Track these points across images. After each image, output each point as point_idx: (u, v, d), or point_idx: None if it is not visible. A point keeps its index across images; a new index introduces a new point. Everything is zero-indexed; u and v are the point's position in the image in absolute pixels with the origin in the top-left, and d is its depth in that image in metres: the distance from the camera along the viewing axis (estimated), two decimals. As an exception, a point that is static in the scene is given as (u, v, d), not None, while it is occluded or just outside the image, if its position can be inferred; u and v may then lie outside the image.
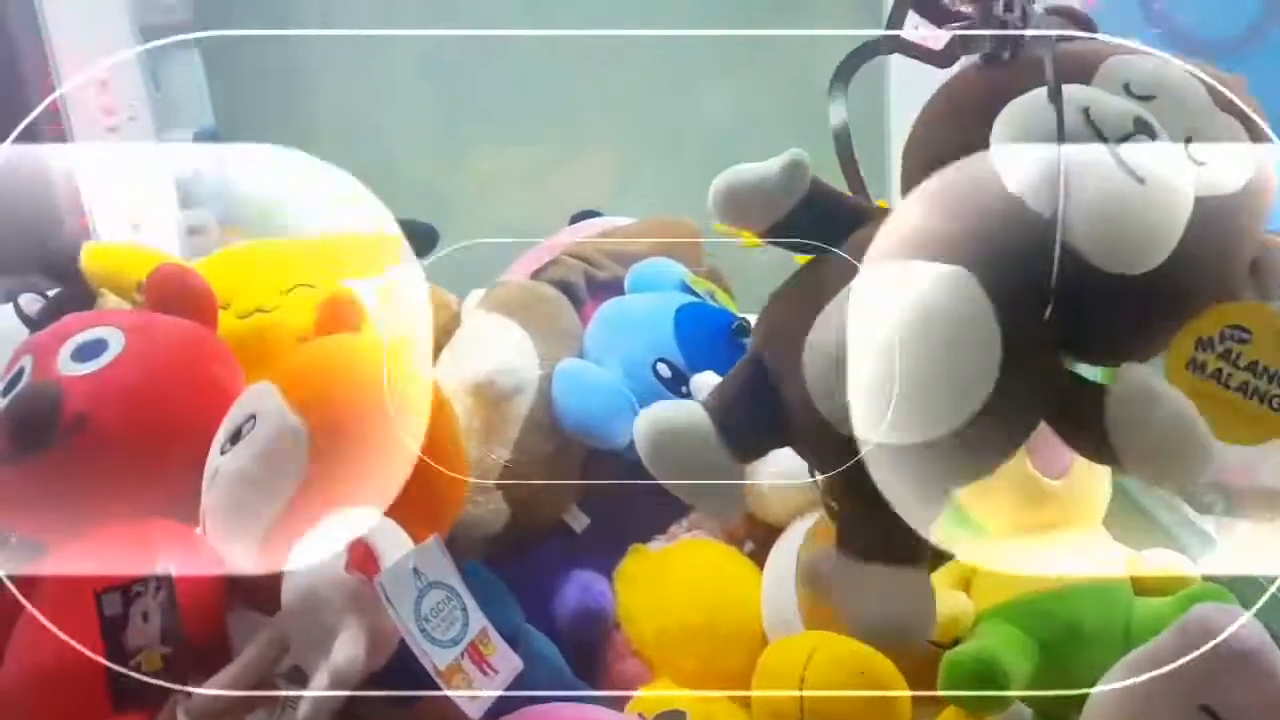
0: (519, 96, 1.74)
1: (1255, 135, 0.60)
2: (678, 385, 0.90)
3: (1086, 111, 0.54)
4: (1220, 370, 0.59)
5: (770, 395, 0.62)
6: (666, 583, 0.84)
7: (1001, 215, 0.55)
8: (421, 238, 1.14)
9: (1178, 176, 0.54)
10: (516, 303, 0.97)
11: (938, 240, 0.56)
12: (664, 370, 0.91)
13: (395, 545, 0.65)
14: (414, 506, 0.71)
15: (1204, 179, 0.56)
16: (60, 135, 1.49)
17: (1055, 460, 0.73)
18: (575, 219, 1.27)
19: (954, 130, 0.61)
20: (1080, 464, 0.73)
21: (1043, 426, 0.72)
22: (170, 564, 0.66)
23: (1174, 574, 0.70)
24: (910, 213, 0.60)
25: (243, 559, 0.69)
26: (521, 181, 1.81)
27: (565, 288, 1.00)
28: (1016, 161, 0.54)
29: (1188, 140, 0.57)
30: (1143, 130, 0.54)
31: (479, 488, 0.85)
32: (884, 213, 0.62)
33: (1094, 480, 0.75)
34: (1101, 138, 0.53)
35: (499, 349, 0.92)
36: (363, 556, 0.64)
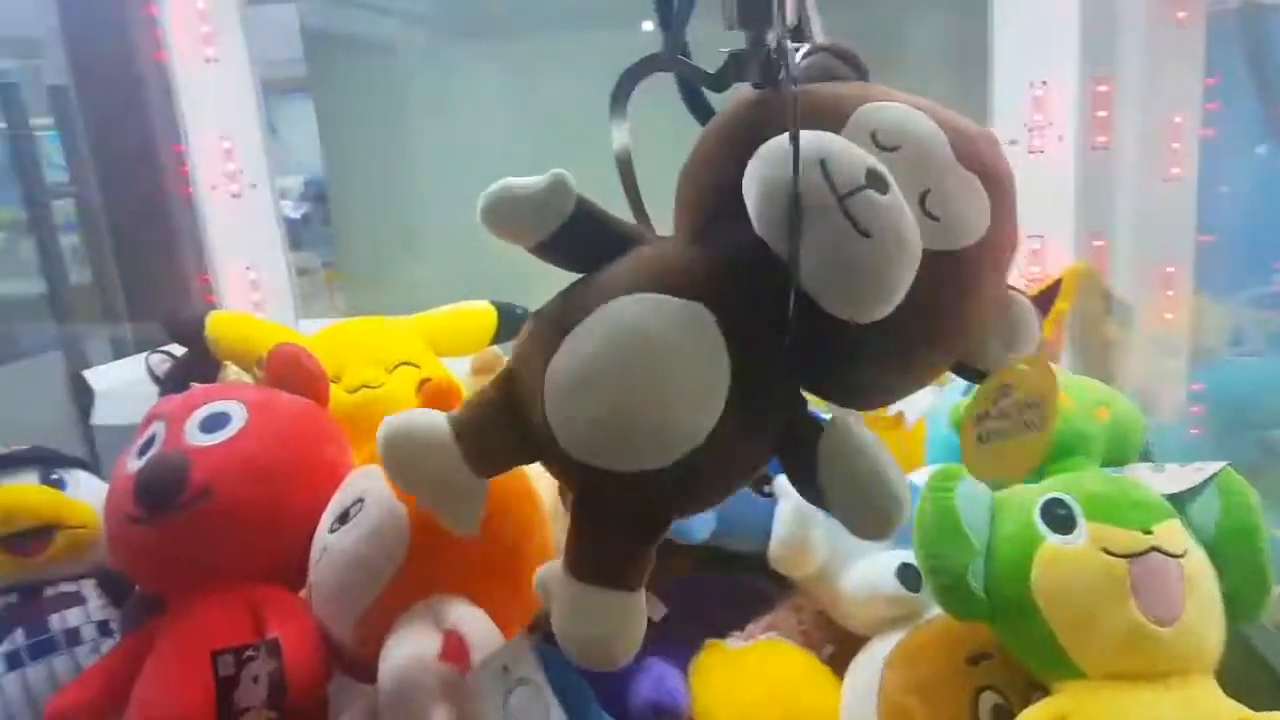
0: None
1: (995, 192, 0.60)
2: (760, 485, 0.91)
3: (823, 164, 0.53)
4: (1001, 427, 0.65)
5: (516, 412, 0.62)
6: (742, 683, 0.84)
7: (744, 255, 0.57)
8: (516, 318, 1.19)
9: (905, 231, 0.54)
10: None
11: (683, 272, 0.59)
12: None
13: (486, 637, 0.68)
14: (504, 594, 0.75)
15: (938, 233, 0.57)
16: (188, 196, 1.58)
17: (1167, 606, 0.67)
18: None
19: (718, 164, 0.61)
20: (1192, 611, 0.67)
21: (1154, 565, 0.71)
22: (279, 632, 0.70)
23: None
24: (665, 243, 0.63)
25: (344, 633, 0.74)
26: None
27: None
28: (761, 204, 0.55)
29: (924, 194, 0.57)
30: (874, 184, 0.53)
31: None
32: (656, 238, 0.64)
33: (1206, 628, 0.68)
34: (835, 190, 0.53)
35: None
36: (456, 647, 0.67)
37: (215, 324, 1.07)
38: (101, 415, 1.03)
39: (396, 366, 1.02)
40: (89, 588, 0.91)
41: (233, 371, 1.02)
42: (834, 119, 0.59)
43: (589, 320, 0.59)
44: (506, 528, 0.76)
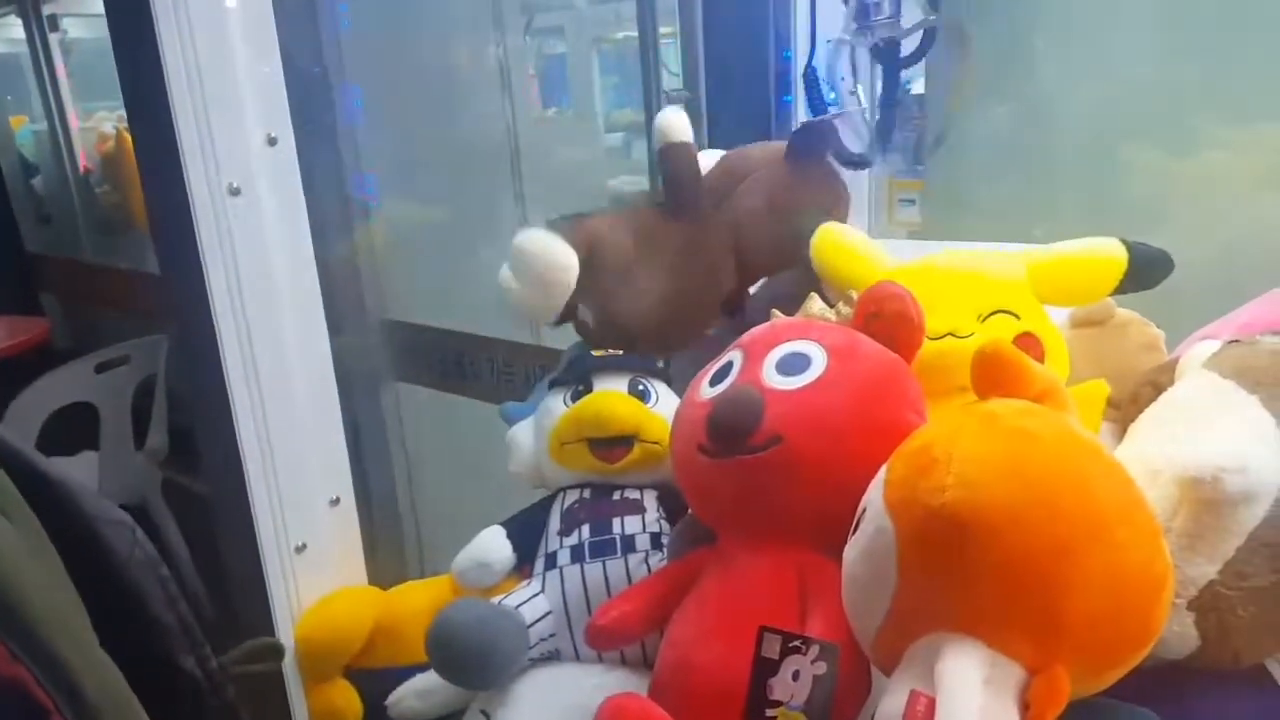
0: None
1: None
2: None
3: None
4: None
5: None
6: None
7: None
8: (1152, 264, 0.96)
9: None
10: (1264, 373, 0.76)
11: None
12: None
13: (968, 698, 0.52)
14: (1029, 635, 0.55)
15: None
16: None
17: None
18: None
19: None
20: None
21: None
22: (821, 630, 0.63)
23: None
24: None
25: (867, 649, 0.64)
26: (1266, 177, 1.46)
27: (1342, 364, 0.77)
28: None
29: None
30: None
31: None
32: None
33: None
34: None
35: (1230, 434, 0.73)
36: (919, 715, 0.51)
37: (822, 239, 1.01)
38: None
39: (991, 314, 0.88)
40: (650, 498, 0.94)
41: (816, 306, 0.97)
42: None
43: None
44: (1038, 543, 0.54)
